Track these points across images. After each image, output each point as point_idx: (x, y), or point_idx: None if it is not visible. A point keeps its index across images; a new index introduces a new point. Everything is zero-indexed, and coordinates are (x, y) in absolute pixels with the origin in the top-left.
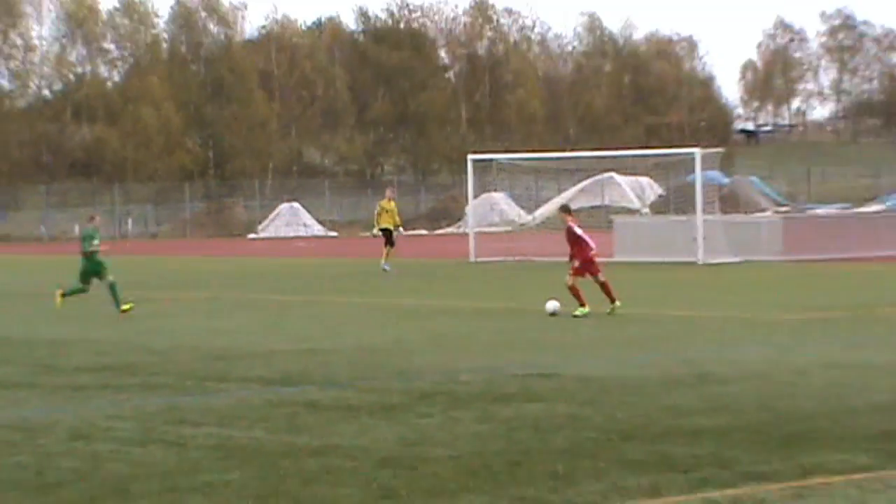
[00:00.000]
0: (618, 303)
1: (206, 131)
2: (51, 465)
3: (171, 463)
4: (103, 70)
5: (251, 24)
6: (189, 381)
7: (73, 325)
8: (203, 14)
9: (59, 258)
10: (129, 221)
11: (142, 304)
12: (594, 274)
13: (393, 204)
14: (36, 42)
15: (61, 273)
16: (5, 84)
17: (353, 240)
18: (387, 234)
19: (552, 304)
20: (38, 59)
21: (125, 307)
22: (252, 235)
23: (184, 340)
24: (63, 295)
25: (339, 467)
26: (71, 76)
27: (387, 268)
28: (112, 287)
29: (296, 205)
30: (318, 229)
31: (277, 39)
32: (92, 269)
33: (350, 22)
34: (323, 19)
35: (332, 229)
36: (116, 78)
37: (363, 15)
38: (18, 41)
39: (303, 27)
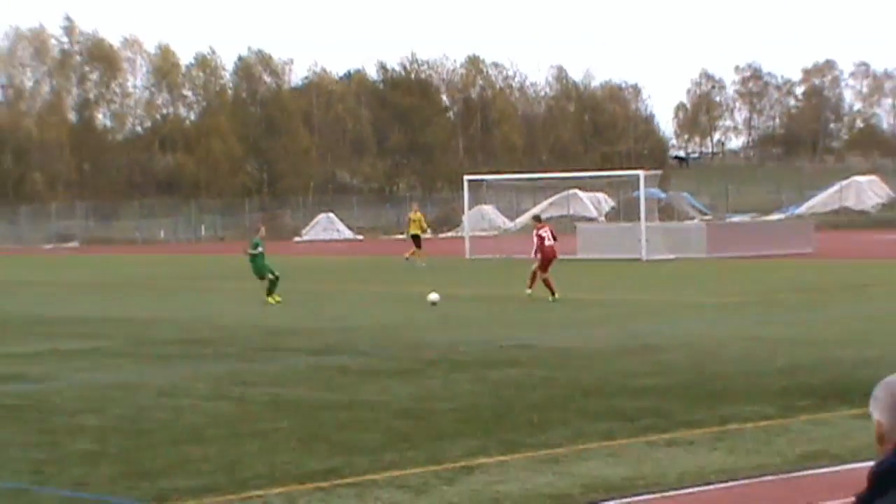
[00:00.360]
0: (557, 295)
1: (261, 158)
2: (143, 415)
3: (235, 414)
4: (182, 111)
5: (296, 75)
6: (249, 351)
7: (160, 308)
8: (259, 67)
9: (149, 257)
10: (202, 228)
11: (214, 292)
12: (544, 271)
13: (419, 214)
14: (131, 90)
15: (151, 268)
16: (108, 122)
17: (374, 242)
18: (415, 238)
19: (433, 296)
20: (133, 102)
21: (273, 299)
22: (297, 239)
23: (245, 320)
24: (269, 294)
25: (365, 418)
26: (158, 116)
27: (422, 264)
28: (273, 282)
29: (331, 215)
30: (348, 234)
31: (317, 87)
32: (257, 268)
33: (373, 73)
34: (352, 71)
35: (358, 234)
36: (193, 117)
37: (383, 68)
38: (118, 89)
39: (336, 77)
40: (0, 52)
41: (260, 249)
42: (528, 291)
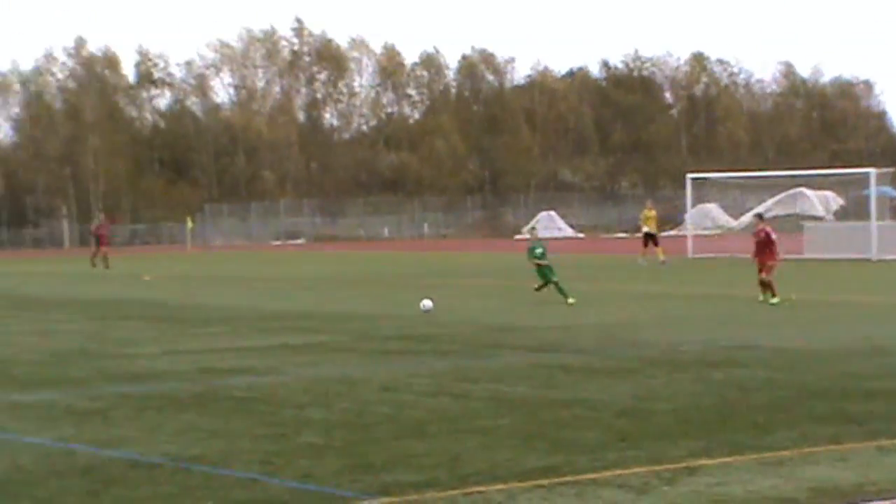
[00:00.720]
0: (776, 298)
1: (483, 156)
2: (367, 410)
3: (456, 410)
4: (407, 110)
5: (518, 73)
6: (470, 347)
7: (383, 305)
8: (482, 66)
9: (373, 254)
10: (425, 225)
11: (434, 289)
12: (767, 273)
13: (653, 212)
14: (357, 89)
15: (375, 265)
16: (334, 122)
17: (595, 240)
18: (648, 236)
19: (426, 303)
20: (359, 102)
21: (570, 300)
22: (518, 236)
23: (466, 317)
24: (564, 295)
25: (585, 416)
26: (382, 115)
27: (643, 263)
28: (558, 285)
29: (552, 213)
30: (569, 232)
31: (539, 85)
32: (542, 273)
33: (595, 71)
34: (574, 69)
35: (579, 232)
36: (417, 116)
37: (605, 66)
38: (344, 89)
39: (559, 75)
40: (234, 54)
41: (539, 252)
42: (774, 300)
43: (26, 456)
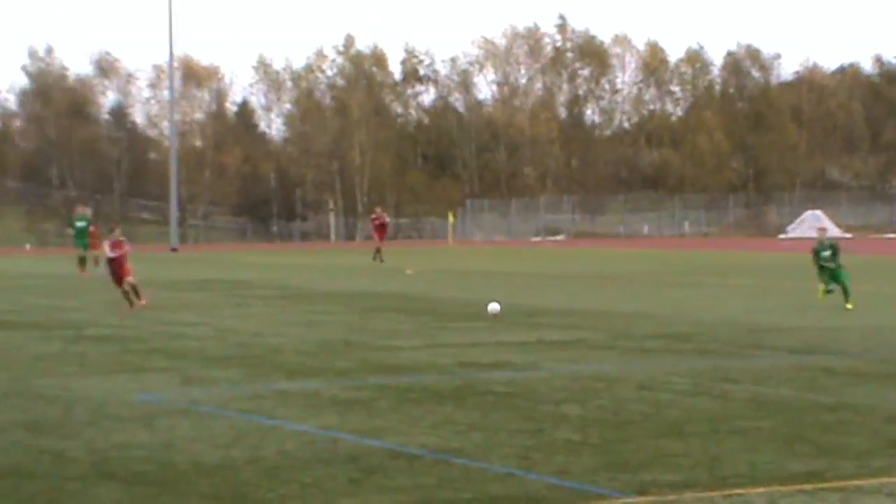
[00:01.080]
0: None
1: (747, 154)
2: (624, 408)
3: (715, 411)
4: (669, 107)
5: (785, 69)
6: (730, 347)
7: (641, 303)
8: (748, 62)
9: (632, 252)
10: (686, 223)
11: (695, 288)
12: None
13: None
14: (620, 86)
15: (634, 262)
16: (596, 118)
17: (864, 241)
18: None
19: (494, 307)
20: (621, 98)
21: (849, 306)
22: (781, 236)
23: (726, 316)
24: (846, 296)
25: (851, 421)
26: (644, 111)
27: None
28: (845, 287)
29: (818, 212)
30: (836, 232)
31: (808, 81)
32: (830, 274)
33: (867, 66)
34: (845, 65)
35: (847, 232)
36: (679, 112)
37: (878, 61)
38: (606, 86)
39: (828, 71)
40: (497, 51)
41: (830, 257)
42: None
43: (292, 442)
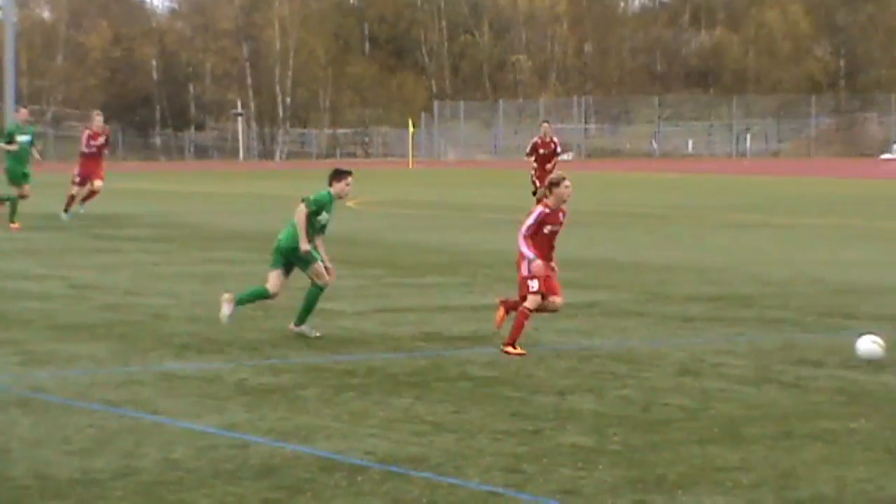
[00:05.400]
0: None
1: (837, 37)
2: (657, 400)
3: (788, 406)
4: None
5: None
6: (810, 316)
7: (682, 251)
8: None
9: (671, 177)
10: (748, 138)
11: (758, 230)
12: None
13: None
14: None
15: (673, 192)
16: None
17: None
18: None
19: (869, 347)
20: None
21: None
22: (886, 155)
23: (804, 271)
24: None
25: None
26: None
27: None
28: None
29: None
30: None
31: None
32: None
33: None
34: None
35: None
36: None
37: None
38: None
39: None
40: None
41: None
42: None
43: (182, 448)
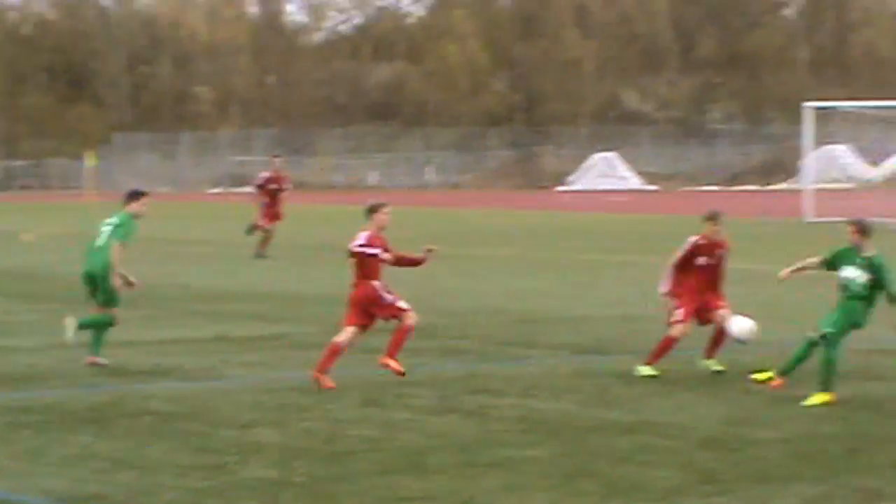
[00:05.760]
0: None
1: (514, 71)
2: (341, 432)
3: (470, 435)
4: (406, 2)
5: None
6: (491, 346)
7: None
8: None
9: (355, 208)
10: (430, 170)
11: (441, 262)
12: None
13: None
14: None
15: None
16: (301, 18)
17: (674, 194)
18: None
19: (742, 325)
20: None
21: None
22: (562, 188)
23: (485, 302)
24: None
25: (654, 446)
26: (369, 10)
27: None
28: None
29: (611, 155)
30: (635, 182)
31: None
32: None
33: None
34: None
35: (651, 182)
36: (419, 12)
37: None
38: None
39: None
40: None
41: None
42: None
43: None
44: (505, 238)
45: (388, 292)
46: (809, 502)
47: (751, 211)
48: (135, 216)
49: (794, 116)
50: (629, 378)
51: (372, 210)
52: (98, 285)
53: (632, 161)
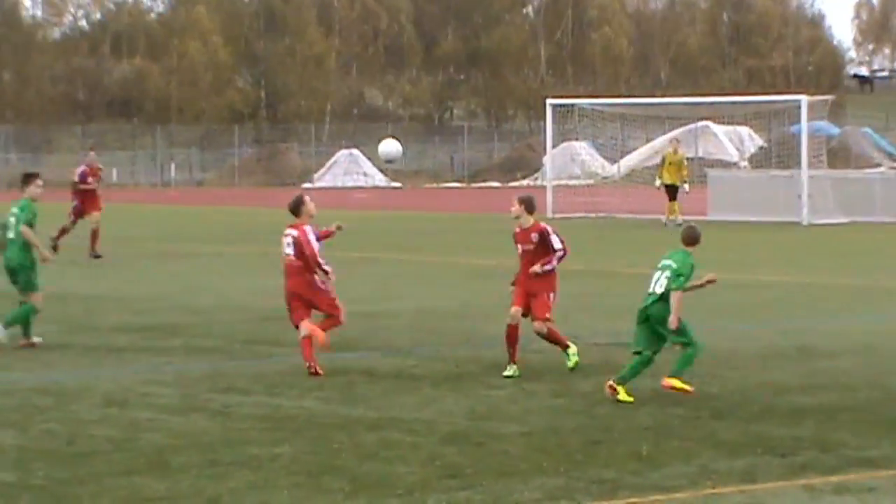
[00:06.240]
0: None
1: (257, 68)
2: (83, 433)
3: (215, 434)
4: None
5: None
6: (236, 344)
7: (108, 281)
8: None
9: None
10: (172, 167)
11: (185, 259)
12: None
13: (681, 155)
14: None
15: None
16: (38, 13)
17: (417, 192)
18: (671, 189)
19: (389, 149)
20: None
21: None
22: (307, 185)
23: (231, 300)
24: None
25: (399, 442)
26: (110, 5)
27: (678, 222)
28: None
29: (355, 151)
30: (379, 179)
31: None
32: None
33: None
34: None
35: (395, 179)
36: (160, 8)
37: None
38: None
39: None
40: None
41: None
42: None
43: None
44: (250, 235)
45: None
46: (551, 494)
47: (493, 207)
48: (34, 199)
49: (536, 113)
50: (373, 374)
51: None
52: (18, 274)
53: (376, 158)
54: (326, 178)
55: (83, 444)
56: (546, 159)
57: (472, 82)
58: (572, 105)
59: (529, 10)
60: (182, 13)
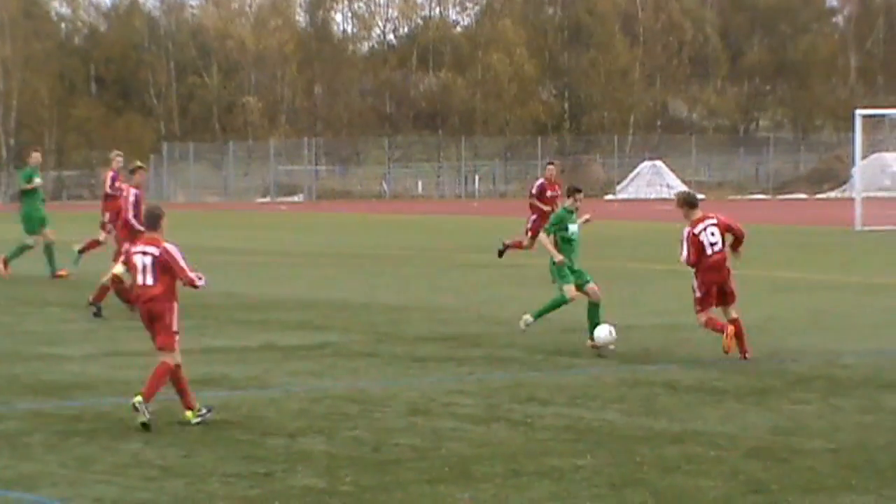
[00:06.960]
0: None
1: (561, 80)
2: (388, 440)
3: (517, 444)
4: (452, 13)
5: None
6: (538, 354)
7: (414, 292)
8: None
9: (401, 217)
10: (476, 179)
11: (484, 270)
12: None
13: None
14: None
15: (402, 233)
16: (348, 28)
17: (722, 203)
18: None
19: (605, 332)
20: (383, 1)
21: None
22: (609, 196)
23: (533, 309)
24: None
25: (702, 456)
26: (418, 19)
27: None
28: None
29: (659, 163)
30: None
31: None
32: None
33: None
34: None
35: (699, 191)
36: (466, 21)
37: None
38: None
39: None
40: None
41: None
42: None
43: None
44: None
45: None
46: None
47: (800, 219)
48: None
49: (844, 124)
50: (676, 387)
51: None
52: None
53: (679, 170)
54: (629, 189)
55: (388, 452)
56: (855, 171)
57: (779, 93)
58: (883, 115)
59: (839, 18)
60: (487, 26)
